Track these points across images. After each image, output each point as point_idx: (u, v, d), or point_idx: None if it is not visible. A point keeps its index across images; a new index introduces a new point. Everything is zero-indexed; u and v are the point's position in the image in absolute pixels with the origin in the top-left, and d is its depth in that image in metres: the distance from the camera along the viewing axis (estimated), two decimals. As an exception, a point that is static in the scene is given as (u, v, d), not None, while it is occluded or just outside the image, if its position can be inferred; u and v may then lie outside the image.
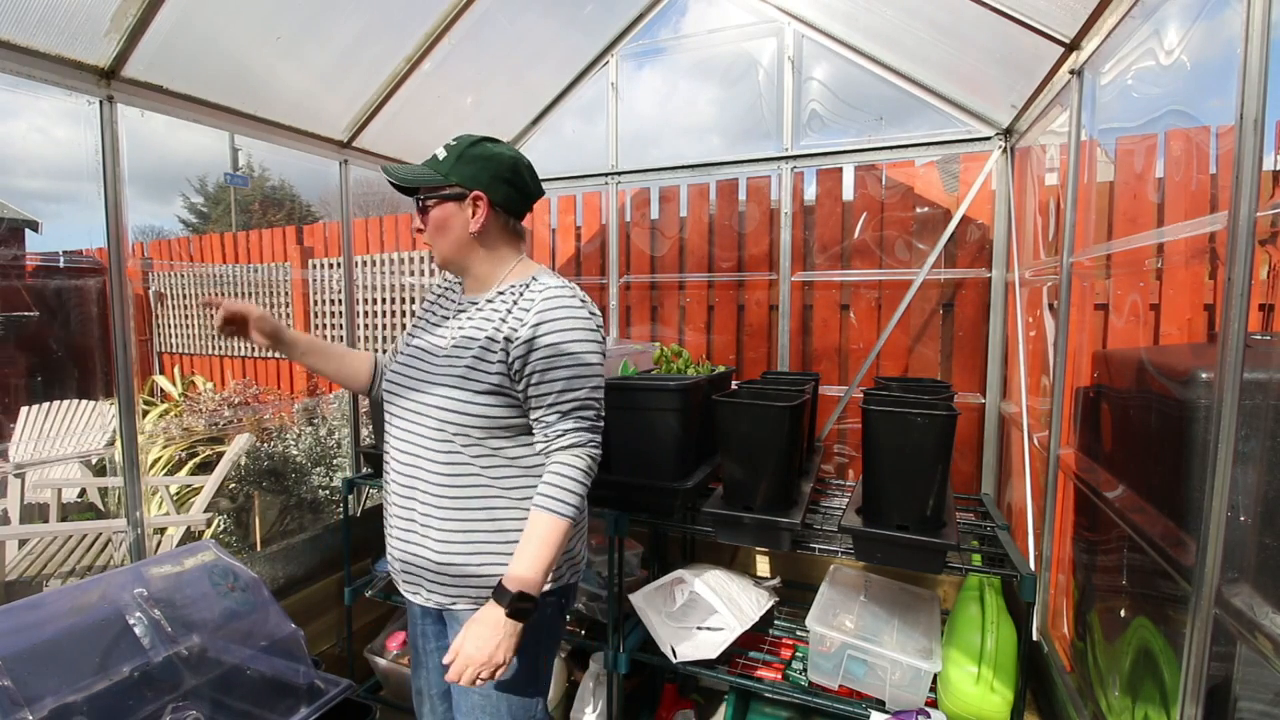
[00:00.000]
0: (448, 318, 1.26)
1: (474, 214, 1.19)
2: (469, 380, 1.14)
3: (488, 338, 1.16)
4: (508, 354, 1.14)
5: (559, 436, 1.13)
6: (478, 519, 1.16)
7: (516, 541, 1.14)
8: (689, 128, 2.75)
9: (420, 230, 1.23)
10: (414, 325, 1.34)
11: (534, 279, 1.21)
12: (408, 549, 1.20)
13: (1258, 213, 0.83)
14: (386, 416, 1.25)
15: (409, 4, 1.97)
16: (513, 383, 1.15)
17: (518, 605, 1.06)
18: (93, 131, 1.56)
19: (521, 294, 1.19)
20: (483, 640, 1.06)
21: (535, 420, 1.15)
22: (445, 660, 1.09)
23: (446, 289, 1.35)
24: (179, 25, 1.55)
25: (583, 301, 1.18)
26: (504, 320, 1.16)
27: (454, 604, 1.20)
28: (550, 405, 1.13)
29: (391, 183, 1.23)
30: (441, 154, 1.19)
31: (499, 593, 1.08)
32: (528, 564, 1.09)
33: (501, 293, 1.21)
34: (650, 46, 2.68)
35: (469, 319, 1.22)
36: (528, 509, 1.14)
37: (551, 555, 1.10)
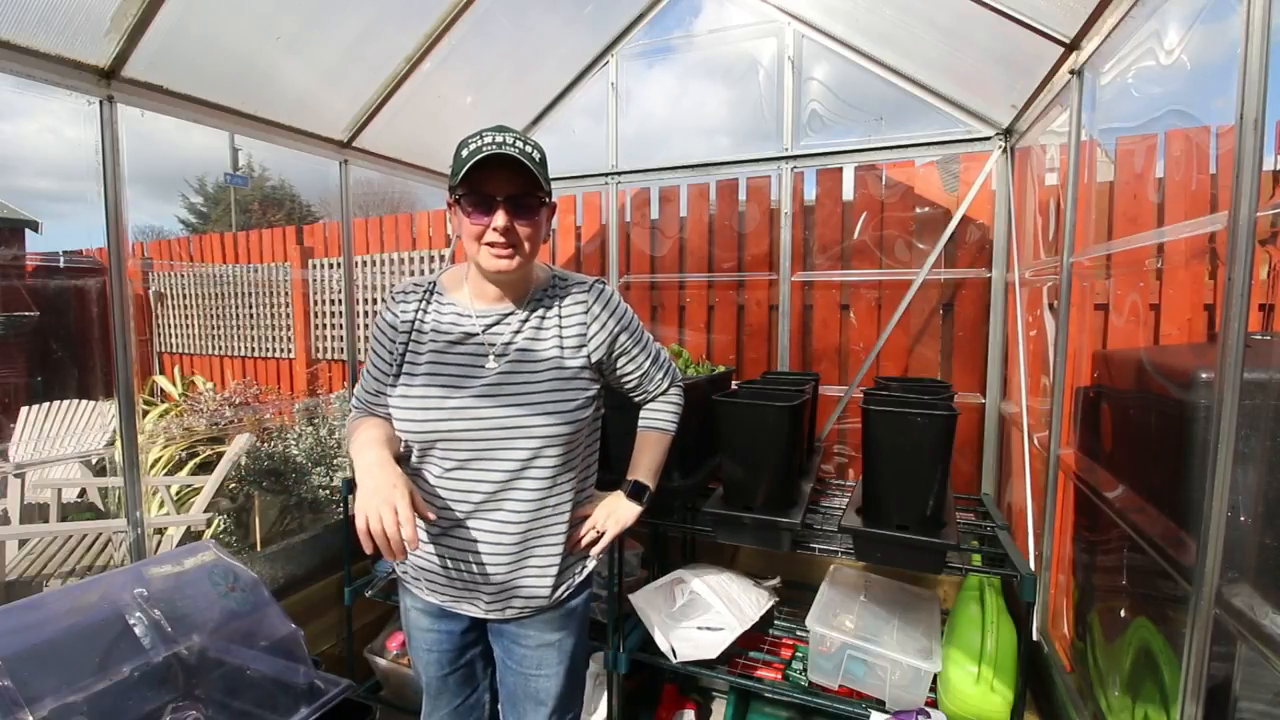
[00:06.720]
0: (472, 333, 1.17)
1: (548, 221, 1.19)
2: (562, 397, 1.16)
3: (557, 349, 1.19)
4: (589, 359, 1.20)
5: (660, 382, 1.35)
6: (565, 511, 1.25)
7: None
8: (697, 128, 2.75)
9: (504, 238, 1.08)
10: (409, 342, 1.20)
11: (557, 279, 1.24)
12: (505, 568, 1.19)
13: (1258, 213, 0.83)
14: (440, 446, 1.16)
15: (410, 3, 1.97)
16: (601, 376, 1.25)
17: (636, 489, 1.32)
18: (93, 131, 1.56)
19: (560, 298, 1.22)
20: (610, 508, 1.30)
21: (635, 387, 1.33)
22: (583, 533, 1.27)
23: (429, 300, 1.23)
24: (179, 25, 1.55)
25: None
26: (562, 328, 1.20)
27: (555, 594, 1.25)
28: (648, 368, 1.32)
29: (441, 184, 1.18)
30: (535, 154, 1.09)
31: (623, 485, 1.32)
32: (648, 467, 1.34)
33: (538, 299, 1.21)
34: (654, 46, 2.67)
35: (517, 332, 1.18)
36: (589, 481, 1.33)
37: (662, 463, 1.35)
